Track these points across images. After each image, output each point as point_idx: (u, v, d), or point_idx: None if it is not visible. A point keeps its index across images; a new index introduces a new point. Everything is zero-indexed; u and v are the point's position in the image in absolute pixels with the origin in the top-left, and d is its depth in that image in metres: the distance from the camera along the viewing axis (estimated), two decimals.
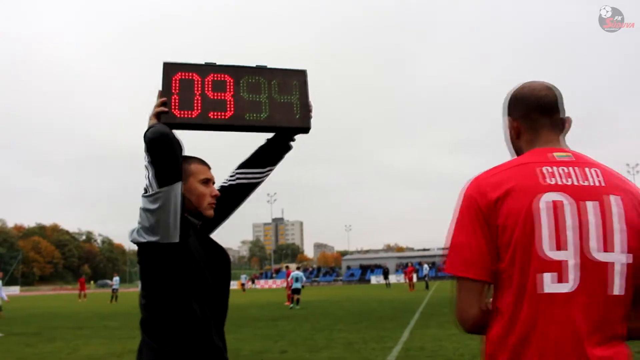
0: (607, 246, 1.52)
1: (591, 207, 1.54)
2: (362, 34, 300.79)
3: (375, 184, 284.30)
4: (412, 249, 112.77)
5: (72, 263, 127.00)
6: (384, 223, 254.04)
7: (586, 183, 1.58)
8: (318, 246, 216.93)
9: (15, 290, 73.26)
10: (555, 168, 1.60)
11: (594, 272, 1.50)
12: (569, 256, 1.50)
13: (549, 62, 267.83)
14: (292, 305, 23.64)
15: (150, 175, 2.00)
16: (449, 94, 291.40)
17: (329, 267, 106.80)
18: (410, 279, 41.66)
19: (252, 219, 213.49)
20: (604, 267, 1.51)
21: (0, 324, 17.60)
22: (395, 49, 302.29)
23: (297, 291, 24.08)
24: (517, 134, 1.79)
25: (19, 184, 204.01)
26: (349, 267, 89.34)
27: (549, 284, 1.50)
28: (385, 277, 53.62)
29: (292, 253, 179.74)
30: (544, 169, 1.59)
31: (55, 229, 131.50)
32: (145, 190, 2.01)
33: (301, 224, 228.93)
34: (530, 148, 1.73)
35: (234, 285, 74.90)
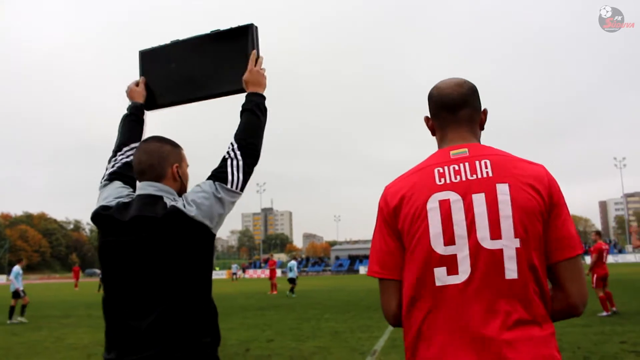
0: (495, 234, 1.60)
1: (478, 199, 1.64)
2: (354, 28, 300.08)
3: (364, 177, 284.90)
4: None
5: (59, 252, 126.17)
6: (373, 214, 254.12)
7: (474, 177, 1.67)
8: (307, 236, 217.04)
9: (1, 279, 72.76)
10: (446, 167, 1.72)
11: (486, 260, 1.59)
12: (458, 250, 1.61)
13: (541, 59, 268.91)
14: (288, 293, 24.19)
15: (239, 171, 2.16)
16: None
17: (317, 257, 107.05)
18: None
19: (241, 209, 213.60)
20: (495, 254, 1.59)
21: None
22: (388, 43, 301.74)
23: (292, 280, 24.88)
24: (432, 132, 1.94)
25: (5, 174, 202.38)
26: (337, 258, 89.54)
27: (441, 277, 1.63)
28: None
29: (281, 243, 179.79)
30: (436, 170, 1.72)
31: (42, 217, 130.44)
32: (227, 182, 2.13)
33: (290, 214, 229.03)
34: (440, 146, 1.86)
35: (223, 275, 75.05)
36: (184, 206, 2.05)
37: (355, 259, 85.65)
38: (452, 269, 1.62)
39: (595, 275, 12.01)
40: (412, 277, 1.68)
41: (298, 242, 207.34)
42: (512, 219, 1.60)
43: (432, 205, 1.67)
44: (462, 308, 1.60)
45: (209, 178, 2.17)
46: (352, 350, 8.71)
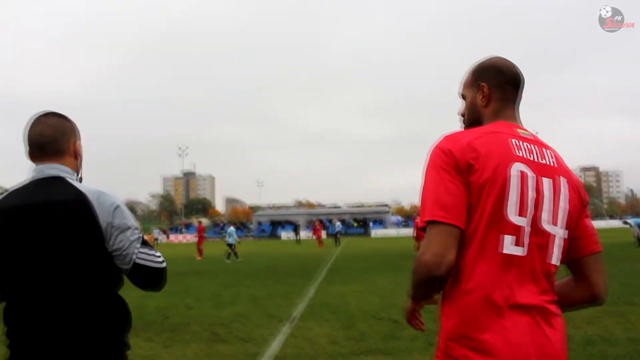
0: (554, 220, 1.69)
1: (547, 183, 1.70)
2: None
3: (287, 143, 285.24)
4: (323, 206, 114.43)
5: None
6: (295, 180, 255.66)
7: (544, 161, 1.73)
8: (229, 201, 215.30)
9: None
10: (521, 142, 1.73)
11: (540, 240, 1.66)
12: (526, 223, 1.64)
13: (461, 36, 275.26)
14: (227, 259, 24.62)
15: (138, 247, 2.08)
16: (362, 60, 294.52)
17: (239, 222, 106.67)
18: (319, 235, 42.35)
19: (162, 172, 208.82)
20: (549, 237, 1.68)
21: None
22: (313, 13, 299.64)
23: (231, 246, 25.47)
24: (487, 102, 1.87)
25: None
26: (260, 223, 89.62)
27: (508, 245, 1.62)
28: (297, 233, 54.03)
29: (202, 207, 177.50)
30: (512, 140, 1.71)
31: None
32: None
33: (213, 178, 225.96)
34: (494, 119, 1.84)
35: None
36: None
37: (277, 224, 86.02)
38: (519, 241, 1.64)
39: None
40: (477, 237, 1.63)
41: (220, 206, 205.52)
42: (567, 212, 1.73)
43: (514, 173, 1.65)
44: (515, 277, 1.62)
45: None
46: (270, 316, 8.81)
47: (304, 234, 63.47)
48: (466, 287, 1.63)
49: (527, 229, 1.64)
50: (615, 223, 72.51)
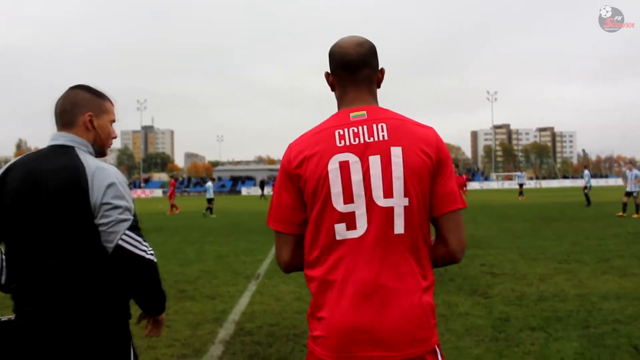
0: (388, 193, 1.77)
1: (375, 160, 1.79)
2: None
3: (247, 99, 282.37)
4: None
5: None
6: (255, 136, 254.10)
7: (371, 139, 1.81)
8: (189, 156, 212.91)
9: None
10: (346, 130, 1.83)
11: (380, 216, 1.78)
12: (356, 208, 1.78)
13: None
14: (205, 212, 25.71)
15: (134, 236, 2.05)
16: (321, 17, 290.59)
17: (199, 177, 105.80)
18: None
19: (120, 126, 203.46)
20: (387, 211, 1.78)
21: None
22: None
23: (210, 201, 26.31)
24: (332, 88, 2.01)
25: None
26: (220, 178, 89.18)
27: (341, 232, 1.80)
28: (262, 189, 53.71)
29: (162, 162, 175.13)
30: (337, 132, 1.83)
31: None
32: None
33: (172, 132, 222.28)
34: (340, 104, 1.96)
35: None
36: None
37: (237, 180, 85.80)
38: (351, 225, 1.79)
39: None
40: (317, 233, 1.83)
41: (180, 161, 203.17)
42: (403, 180, 1.77)
43: (333, 167, 1.79)
44: (359, 259, 1.78)
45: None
46: (236, 274, 8.96)
47: (266, 190, 63.42)
48: (310, 274, 1.87)
49: (360, 212, 1.78)
50: (568, 182, 74.69)
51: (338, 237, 1.80)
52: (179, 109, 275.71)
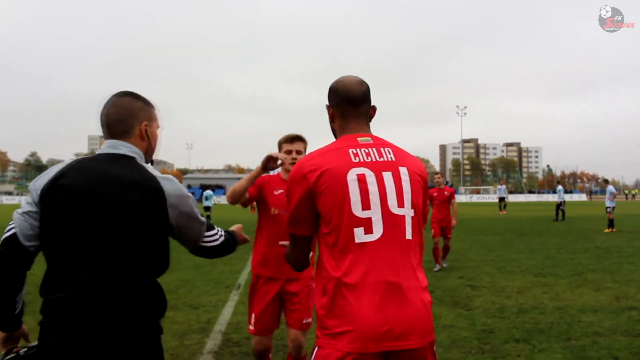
0: (401, 203, 2.07)
1: (387, 176, 2.09)
2: None
3: (215, 106, 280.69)
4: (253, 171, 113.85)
5: None
6: (224, 144, 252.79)
7: (382, 159, 2.12)
8: (157, 163, 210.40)
9: None
10: (358, 149, 2.12)
11: (394, 223, 2.05)
12: (373, 214, 2.03)
13: (391, 9, 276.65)
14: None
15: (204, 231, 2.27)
16: (290, 27, 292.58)
17: None
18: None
19: (87, 131, 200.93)
20: (400, 218, 2.06)
21: None
22: None
23: (208, 209, 26.51)
24: (332, 119, 2.30)
25: None
26: (189, 186, 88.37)
27: (360, 235, 2.02)
28: None
29: None
30: (350, 150, 2.11)
31: None
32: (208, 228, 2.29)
33: None
34: (342, 132, 2.24)
35: None
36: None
37: (207, 189, 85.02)
38: (368, 229, 2.02)
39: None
40: (336, 236, 2.04)
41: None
42: (410, 195, 2.11)
43: (352, 178, 2.05)
44: (377, 260, 2.01)
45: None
46: (217, 283, 8.91)
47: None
48: (326, 274, 2.05)
49: (376, 218, 2.03)
50: (534, 197, 76.12)
51: (357, 240, 2.01)
52: None
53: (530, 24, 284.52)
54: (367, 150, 2.11)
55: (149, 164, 2.18)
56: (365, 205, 2.02)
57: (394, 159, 2.12)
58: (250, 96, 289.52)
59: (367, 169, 2.06)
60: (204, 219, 2.22)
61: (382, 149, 2.14)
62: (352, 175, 2.04)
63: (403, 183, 2.09)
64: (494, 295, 7.76)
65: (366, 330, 1.93)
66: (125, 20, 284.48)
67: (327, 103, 2.29)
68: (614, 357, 4.91)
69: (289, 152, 3.90)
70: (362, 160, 2.08)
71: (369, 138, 2.17)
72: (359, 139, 2.16)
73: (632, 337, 5.54)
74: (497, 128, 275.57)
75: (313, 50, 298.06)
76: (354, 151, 2.10)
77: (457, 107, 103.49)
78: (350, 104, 2.22)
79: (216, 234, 2.30)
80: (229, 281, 9.12)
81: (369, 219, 2.02)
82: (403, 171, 2.11)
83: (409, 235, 2.07)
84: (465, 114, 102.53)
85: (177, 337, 5.67)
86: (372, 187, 2.04)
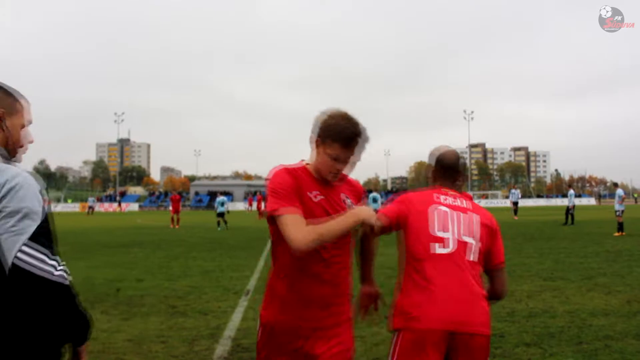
0: (469, 234, 2.73)
1: (462, 215, 2.78)
2: None
3: (223, 113, 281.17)
4: (260, 177, 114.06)
5: None
6: (232, 151, 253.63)
7: (461, 204, 2.83)
8: (165, 170, 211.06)
9: None
10: (442, 195, 2.85)
11: (461, 245, 2.70)
12: (449, 235, 2.70)
13: (391, 14, 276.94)
14: (219, 228, 25.71)
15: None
16: (290, 33, 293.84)
17: (176, 191, 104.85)
18: (260, 207, 42.64)
19: (96, 139, 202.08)
20: (468, 244, 2.72)
21: None
22: None
23: (221, 215, 26.53)
24: (431, 177, 3.03)
25: None
26: (197, 193, 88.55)
27: (437, 248, 2.68)
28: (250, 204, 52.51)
29: (137, 176, 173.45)
30: (434, 194, 2.86)
31: None
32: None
33: (148, 146, 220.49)
34: (433, 185, 2.99)
35: (76, 208, 71.05)
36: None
37: (214, 195, 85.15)
38: (443, 245, 2.68)
39: None
40: (417, 247, 2.70)
41: (156, 175, 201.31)
42: (479, 232, 2.77)
43: (432, 209, 2.77)
44: (450, 269, 2.64)
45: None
46: (226, 289, 8.91)
47: (241, 205, 63.21)
48: (420, 276, 2.67)
49: (452, 238, 2.69)
50: (542, 202, 75.73)
51: (434, 251, 2.66)
52: (156, 122, 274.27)
53: (531, 25, 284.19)
54: (447, 197, 2.86)
55: (9, 159, 1.95)
56: (443, 228, 2.72)
57: (470, 208, 2.83)
58: (256, 101, 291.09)
59: (446, 207, 2.79)
60: (32, 221, 1.72)
61: (462, 199, 2.87)
62: (432, 208, 2.79)
63: (474, 223, 2.77)
64: (504, 300, 7.68)
65: (445, 314, 2.56)
66: (126, 28, 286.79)
67: (426, 171, 3.11)
68: None
69: (339, 159, 2.49)
70: (442, 200, 2.82)
71: (454, 192, 2.92)
72: (444, 189, 2.92)
73: (633, 339, 5.50)
74: (503, 132, 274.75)
75: (316, 55, 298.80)
76: (436, 195, 2.86)
77: (465, 111, 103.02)
78: (448, 173, 2.97)
79: (54, 260, 1.74)
80: (237, 287, 9.13)
81: (444, 238, 2.70)
82: (475, 217, 2.79)
83: (471, 257, 2.71)
84: (472, 118, 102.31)
85: (187, 343, 5.67)
86: (450, 218, 2.75)
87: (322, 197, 2.52)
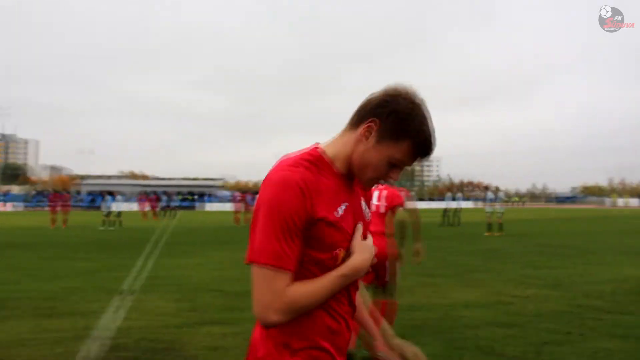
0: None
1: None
2: None
3: (116, 111, 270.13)
4: (154, 178, 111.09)
5: None
6: (126, 150, 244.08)
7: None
8: (54, 169, 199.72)
9: None
10: None
11: None
12: None
13: (301, 20, 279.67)
14: (102, 227, 25.87)
15: None
16: (194, 33, 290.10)
17: (66, 190, 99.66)
18: (154, 207, 41.77)
19: None
20: None
21: None
22: None
23: (108, 215, 27.06)
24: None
25: None
26: (87, 193, 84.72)
27: None
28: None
29: (22, 173, 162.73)
30: None
31: None
32: None
33: (37, 142, 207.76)
34: None
35: None
36: None
37: (105, 195, 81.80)
38: None
39: None
40: None
41: (44, 173, 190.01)
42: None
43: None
44: None
45: None
46: (111, 290, 8.59)
47: (132, 206, 61.20)
48: None
49: None
50: (434, 204, 79.31)
51: None
52: (45, 118, 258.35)
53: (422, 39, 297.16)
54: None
55: None
56: None
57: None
58: (151, 100, 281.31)
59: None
60: None
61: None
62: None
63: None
64: None
65: None
66: (28, 20, 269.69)
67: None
68: (478, 346, 5.27)
69: (401, 165, 1.61)
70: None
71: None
72: None
73: (498, 327, 5.98)
74: None
75: (217, 56, 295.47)
76: None
77: None
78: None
79: None
80: (123, 287, 8.84)
81: None
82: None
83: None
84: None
85: (51, 345, 5.44)
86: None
87: (346, 204, 1.60)
